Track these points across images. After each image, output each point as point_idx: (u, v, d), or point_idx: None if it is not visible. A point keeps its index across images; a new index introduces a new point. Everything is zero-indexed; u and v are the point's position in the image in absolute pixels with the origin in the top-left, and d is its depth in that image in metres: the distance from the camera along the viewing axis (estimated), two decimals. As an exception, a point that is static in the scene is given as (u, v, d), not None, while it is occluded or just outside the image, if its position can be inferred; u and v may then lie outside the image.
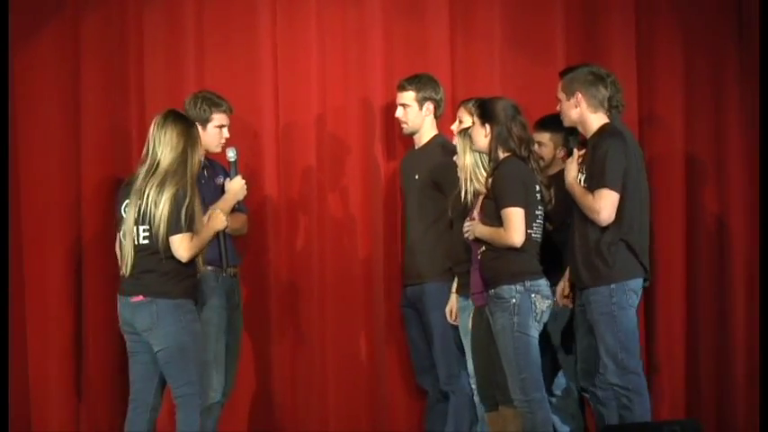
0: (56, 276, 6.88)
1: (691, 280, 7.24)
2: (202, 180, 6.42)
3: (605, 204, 5.98)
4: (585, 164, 6.10)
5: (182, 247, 5.71)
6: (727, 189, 7.27)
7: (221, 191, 6.44)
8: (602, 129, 6.11)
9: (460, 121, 6.53)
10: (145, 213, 5.71)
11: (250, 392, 7.00)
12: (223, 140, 6.49)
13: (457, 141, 6.27)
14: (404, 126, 6.87)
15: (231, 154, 6.37)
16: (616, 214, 6.00)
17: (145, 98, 6.94)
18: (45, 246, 6.87)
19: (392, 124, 6.95)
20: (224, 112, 6.50)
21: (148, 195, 5.70)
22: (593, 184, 6.02)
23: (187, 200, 5.70)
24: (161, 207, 5.67)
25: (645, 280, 6.17)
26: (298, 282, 7.04)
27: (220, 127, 6.49)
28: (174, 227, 5.69)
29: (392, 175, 7.09)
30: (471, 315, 6.29)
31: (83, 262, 6.90)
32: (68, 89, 6.90)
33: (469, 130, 6.15)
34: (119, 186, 6.78)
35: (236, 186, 6.34)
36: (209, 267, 6.24)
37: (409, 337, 6.88)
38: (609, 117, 6.15)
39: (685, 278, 7.22)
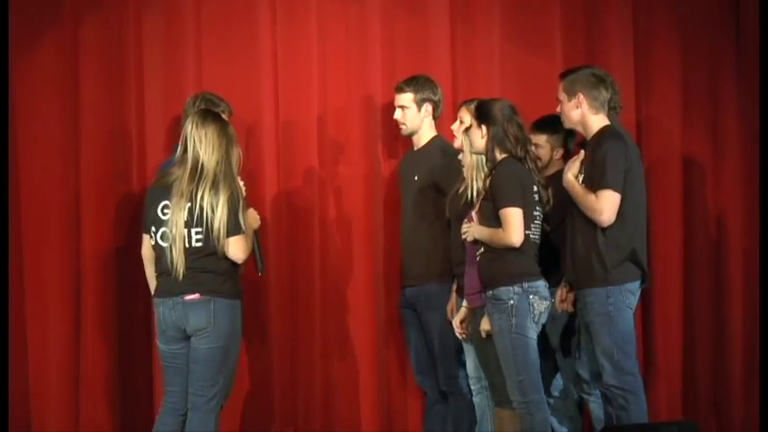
0: (55, 276, 6.88)
1: (688, 281, 7.25)
2: None
3: (607, 205, 6.00)
4: (585, 164, 6.13)
5: (239, 248, 5.72)
6: (725, 190, 7.27)
7: None
8: (603, 130, 6.13)
9: (461, 122, 6.55)
10: (199, 216, 5.67)
11: (250, 393, 7.00)
12: None
13: (462, 140, 6.29)
14: (402, 127, 6.88)
15: None
16: (617, 216, 6.03)
17: (144, 98, 6.95)
18: (44, 246, 6.87)
19: (393, 124, 6.93)
20: (222, 112, 6.50)
21: (203, 198, 5.66)
22: (594, 185, 6.03)
23: (241, 201, 5.72)
24: (219, 210, 5.65)
25: (643, 282, 6.19)
26: (298, 282, 7.05)
27: None
28: (232, 229, 5.68)
29: (393, 174, 7.09)
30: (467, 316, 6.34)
31: (82, 262, 6.89)
32: (68, 89, 6.89)
33: (467, 132, 6.19)
34: (117, 187, 6.87)
35: None
36: None
37: (408, 338, 6.89)
38: (609, 119, 6.18)
39: (683, 279, 7.22)
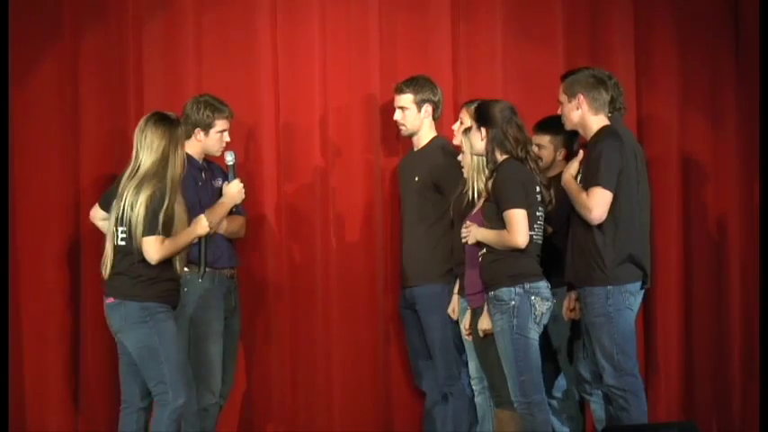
0: (54, 277, 6.87)
1: (687, 280, 7.26)
2: (200, 182, 6.47)
3: (597, 203, 6.03)
4: (582, 164, 6.15)
5: (152, 248, 5.80)
6: (724, 189, 7.29)
7: (219, 193, 6.47)
8: (601, 131, 6.16)
9: (461, 122, 6.55)
10: (123, 215, 5.82)
11: (250, 393, 7.01)
12: (224, 144, 6.54)
13: (463, 141, 6.30)
14: (402, 128, 6.88)
15: (230, 158, 6.40)
16: (614, 215, 6.05)
17: (144, 100, 6.92)
18: (43, 247, 6.86)
19: (393, 124, 6.93)
20: (226, 117, 6.53)
21: (126, 197, 5.81)
22: (587, 183, 6.07)
23: (164, 202, 5.80)
24: (137, 209, 5.78)
25: (643, 283, 6.20)
26: (299, 283, 7.04)
27: (222, 131, 6.52)
28: (147, 229, 5.78)
29: (393, 174, 7.09)
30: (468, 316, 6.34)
31: (80, 263, 6.89)
32: (68, 92, 6.88)
33: (467, 134, 6.20)
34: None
35: (233, 190, 6.37)
36: (207, 269, 6.31)
37: (408, 339, 6.90)
38: (609, 120, 6.20)
39: (682, 279, 7.24)
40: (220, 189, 6.48)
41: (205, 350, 6.41)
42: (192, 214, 6.06)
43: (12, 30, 6.77)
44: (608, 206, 6.04)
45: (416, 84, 6.84)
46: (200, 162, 6.55)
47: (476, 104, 6.28)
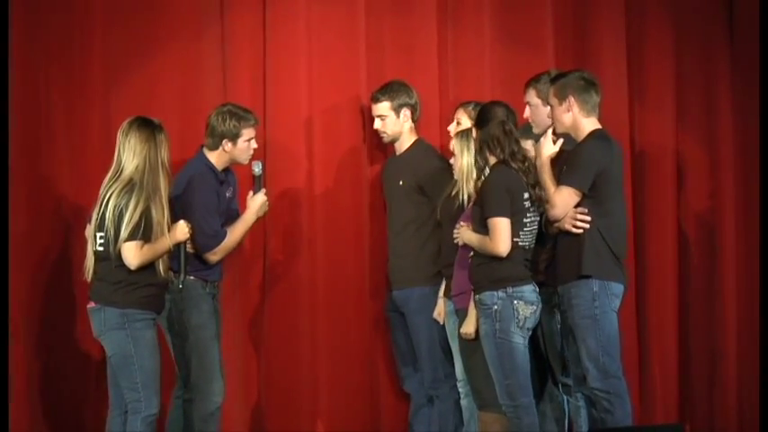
0: (37, 279, 6.82)
1: (682, 281, 7.31)
2: (221, 197, 6.39)
3: (562, 202, 6.06)
4: (566, 160, 6.17)
5: (131, 254, 5.83)
6: (719, 189, 7.33)
7: (228, 203, 6.43)
8: (592, 133, 6.17)
9: (458, 123, 6.58)
10: (103, 219, 5.84)
11: (238, 395, 6.98)
12: (251, 152, 6.45)
13: (455, 143, 6.33)
14: (384, 136, 6.92)
15: (257, 168, 6.36)
16: (599, 213, 6.06)
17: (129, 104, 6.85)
18: (36, 247, 6.80)
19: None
20: (252, 125, 6.42)
21: (108, 201, 5.82)
22: (562, 179, 6.09)
23: (148, 208, 5.82)
24: (117, 213, 5.80)
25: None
26: (286, 286, 7.04)
27: (249, 140, 6.43)
28: (126, 234, 5.79)
29: (379, 177, 7.08)
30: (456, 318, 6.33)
31: (73, 265, 6.83)
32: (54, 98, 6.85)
33: (461, 135, 6.23)
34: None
35: (257, 203, 6.36)
36: (191, 277, 6.30)
37: (394, 341, 6.93)
38: (600, 122, 6.21)
39: (677, 279, 7.29)
40: (228, 200, 6.45)
41: (209, 351, 6.35)
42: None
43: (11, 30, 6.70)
44: (571, 206, 6.05)
45: (391, 90, 6.87)
46: (221, 173, 6.43)
47: (472, 105, 6.30)
